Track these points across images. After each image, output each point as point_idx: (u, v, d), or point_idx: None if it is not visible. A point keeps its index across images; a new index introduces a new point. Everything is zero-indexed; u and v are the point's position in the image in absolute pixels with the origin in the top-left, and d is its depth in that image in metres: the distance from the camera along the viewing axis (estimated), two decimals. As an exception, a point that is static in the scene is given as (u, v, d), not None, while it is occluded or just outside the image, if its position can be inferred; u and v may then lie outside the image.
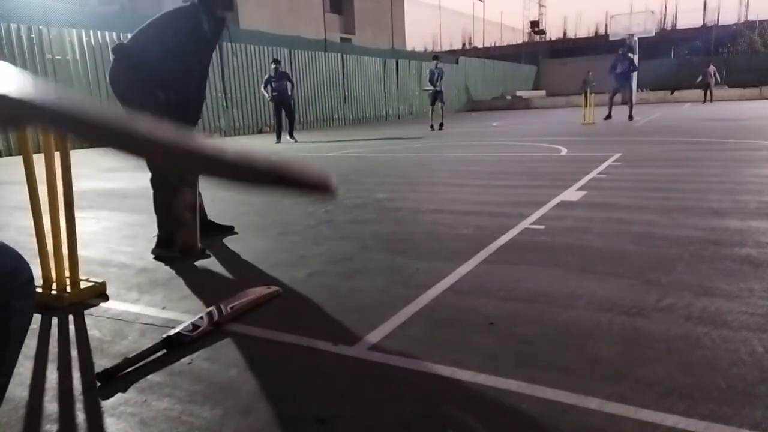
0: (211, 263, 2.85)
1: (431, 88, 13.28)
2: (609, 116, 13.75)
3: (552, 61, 39.14)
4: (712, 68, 21.01)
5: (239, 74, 15.64)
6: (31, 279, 1.14)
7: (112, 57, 2.95)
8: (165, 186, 3.00)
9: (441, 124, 13.42)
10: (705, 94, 21.26)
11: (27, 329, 1.18)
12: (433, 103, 13.49)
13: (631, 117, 13.58)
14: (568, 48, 39.57)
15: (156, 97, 2.87)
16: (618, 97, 14.12)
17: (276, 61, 11.64)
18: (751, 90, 23.27)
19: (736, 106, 18.04)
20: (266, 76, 11.81)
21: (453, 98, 28.05)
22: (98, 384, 1.61)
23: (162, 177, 2.98)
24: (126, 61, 2.92)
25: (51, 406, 1.51)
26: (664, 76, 30.50)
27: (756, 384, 1.44)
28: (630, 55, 13.68)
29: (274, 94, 11.39)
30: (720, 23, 34.65)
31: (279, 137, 11.74)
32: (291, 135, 11.77)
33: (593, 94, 14.08)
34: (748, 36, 32.75)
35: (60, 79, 11.57)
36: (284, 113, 11.74)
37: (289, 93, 11.48)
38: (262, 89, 11.80)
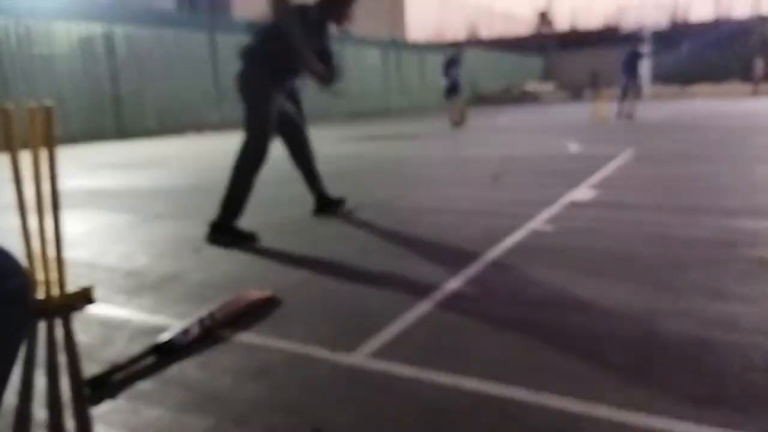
0: (203, 266, 2.78)
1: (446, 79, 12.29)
2: (626, 114, 12.52)
3: (561, 54, 38.62)
4: (760, 61, 20.94)
5: (232, 67, 15.32)
6: (24, 286, 1.04)
7: (240, 63, 3.26)
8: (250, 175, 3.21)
9: (456, 121, 12.44)
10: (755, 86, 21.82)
11: (17, 344, 1.08)
12: (447, 96, 12.48)
13: (629, 115, 12.47)
14: (577, 40, 39.07)
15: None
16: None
17: None
18: (765, 85, 23.06)
19: (751, 102, 17.84)
20: None
21: (459, 91, 27.84)
22: (87, 391, 1.57)
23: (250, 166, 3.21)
24: (255, 60, 3.23)
25: (39, 412, 1.47)
26: (676, 69, 30.20)
27: (772, 390, 1.41)
28: (639, 48, 12.94)
29: None
30: (732, 17, 34.28)
31: None
32: None
33: (605, 88, 13.75)
34: (760, 30, 32.37)
35: (46, 74, 11.36)
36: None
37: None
38: None
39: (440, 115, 13.19)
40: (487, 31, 41.38)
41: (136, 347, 1.80)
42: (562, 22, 44.60)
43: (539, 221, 3.34)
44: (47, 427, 1.41)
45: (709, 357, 1.59)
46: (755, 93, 21.30)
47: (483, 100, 27.92)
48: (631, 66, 12.54)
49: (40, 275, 2.25)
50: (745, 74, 21.75)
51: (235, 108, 13.57)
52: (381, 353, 1.70)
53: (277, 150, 3.39)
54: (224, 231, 3.16)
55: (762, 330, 1.74)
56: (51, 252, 2.23)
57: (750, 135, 8.15)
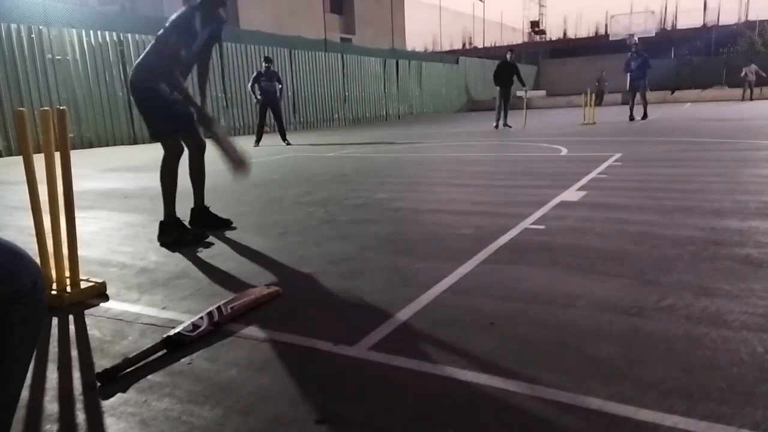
0: (211, 263, 2.85)
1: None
2: (632, 117, 13.38)
3: (552, 61, 39.07)
4: (753, 67, 21.54)
5: (239, 74, 15.65)
6: (36, 284, 1.01)
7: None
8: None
9: None
10: (743, 93, 22.19)
11: (35, 339, 1.07)
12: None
13: (645, 116, 13.41)
14: (568, 48, 39.52)
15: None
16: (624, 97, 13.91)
17: (268, 60, 11.11)
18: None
19: (736, 107, 18.02)
20: (254, 74, 11.25)
21: (453, 98, 28.07)
22: (98, 384, 1.61)
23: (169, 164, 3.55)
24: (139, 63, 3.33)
25: (51, 406, 1.51)
26: (664, 76, 30.50)
27: (756, 384, 1.44)
28: (644, 54, 13.27)
29: (260, 95, 10.89)
30: (720, 23, 34.64)
31: (259, 140, 11.19)
32: (284, 138, 11.30)
33: (604, 94, 13.92)
34: (749, 36, 32.73)
35: (60, 79, 11.59)
36: (272, 116, 11.32)
37: (278, 95, 11.04)
38: (249, 87, 11.19)
39: (438, 121, 13.24)
40: (481, 40, 41.68)
41: (147, 341, 1.86)
42: (553, 31, 44.89)
43: (531, 221, 3.40)
44: (58, 420, 1.44)
45: (696, 352, 1.62)
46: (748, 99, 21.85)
47: (477, 106, 28.10)
48: (642, 71, 13.09)
49: (53, 272, 2.31)
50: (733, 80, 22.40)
51: (241, 114, 13.62)
52: (381, 346, 1.76)
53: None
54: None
55: (748, 326, 1.78)
56: (65, 250, 2.29)
57: (736, 137, 8.17)
